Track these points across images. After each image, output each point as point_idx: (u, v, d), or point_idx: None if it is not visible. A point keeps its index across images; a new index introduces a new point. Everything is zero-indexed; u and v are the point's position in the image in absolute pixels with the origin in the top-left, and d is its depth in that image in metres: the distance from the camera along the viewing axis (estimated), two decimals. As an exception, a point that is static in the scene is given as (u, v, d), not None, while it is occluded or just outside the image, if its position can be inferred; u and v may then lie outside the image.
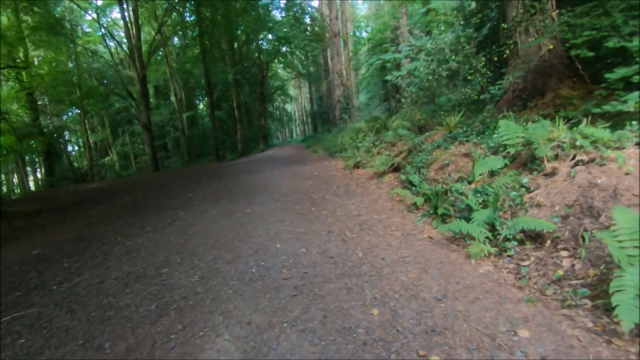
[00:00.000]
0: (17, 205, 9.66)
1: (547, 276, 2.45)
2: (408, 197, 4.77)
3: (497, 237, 3.02)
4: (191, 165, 17.94)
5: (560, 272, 2.40)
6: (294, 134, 52.96)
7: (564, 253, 2.54)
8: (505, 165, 3.87)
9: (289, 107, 47.55)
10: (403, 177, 5.55)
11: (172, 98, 22.97)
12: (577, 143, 3.31)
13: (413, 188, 4.96)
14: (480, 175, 4.05)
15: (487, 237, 3.06)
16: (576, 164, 3.18)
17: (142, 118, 15.96)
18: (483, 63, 6.40)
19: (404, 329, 2.06)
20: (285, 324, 2.22)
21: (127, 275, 3.23)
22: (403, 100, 9.28)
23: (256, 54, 24.77)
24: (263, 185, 7.14)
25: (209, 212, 5.26)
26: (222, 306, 2.51)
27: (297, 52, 24.35)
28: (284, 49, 23.37)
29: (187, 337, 2.18)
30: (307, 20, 22.54)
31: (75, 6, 17.23)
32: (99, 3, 18.48)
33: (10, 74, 13.63)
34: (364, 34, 24.20)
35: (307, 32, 21.70)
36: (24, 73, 13.83)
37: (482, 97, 6.23)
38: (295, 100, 45.62)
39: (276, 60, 27.09)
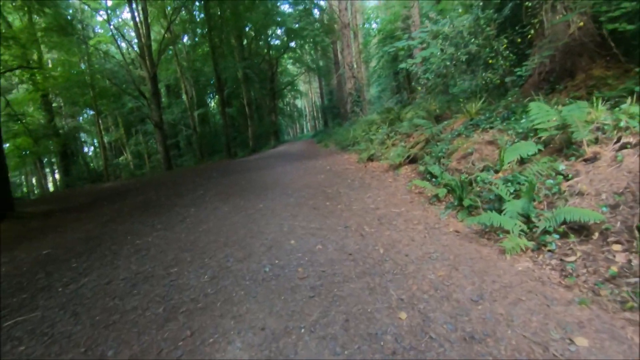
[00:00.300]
0: (34, 205, 9.74)
1: (598, 273, 2.15)
2: (428, 189, 4.49)
3: (534, 230, 2.73)
4: (203, 163, 17.92)
5: (615, 268, 2.10)
6: (305, 130, 52.69)
7: (617, 247, 2.24)
8: (539, 151, 3.54)
9: (299, 102, 47.25)
10: (422, 168, 5.25)
11: (184, 96, 23.02)
12: (622, 124, 2.98)
13: (433, 179, 4.67)
14: (508, 163, 3.74)
15: (522, 230, 2.77)
16: (622, 147, 2.85)
17: (154, 117, 16.00)
18: (505, 45, 6.00)
19: (438, 336, 1.81)
20: (303, 330, 2.00)
21: (135, 276, 3.07)
22: (419, 88, 8.90)
23: (265, 50, 24.60)
24: (275, 180, 6.95)
25: (220, 209, 5.10)
26: (234, 309, 2.31)
27: (307, 46, 24.03)
28: (292, 43, 23.09)
29: (195, 344, 1.99)
30: (316, 12, 22.16)
31: (86, 7, 17.36)
32: (109, 3, 18.60)
33: (24, 76, 13.80)
34: (374, 26, 23.70)
35: (317, 24, 21.33)
36: (37, 75, 13.98)
37: (506, 79, 5.84)
38: (305, 95, 45.31)
39: (285, 56, 26.85)
